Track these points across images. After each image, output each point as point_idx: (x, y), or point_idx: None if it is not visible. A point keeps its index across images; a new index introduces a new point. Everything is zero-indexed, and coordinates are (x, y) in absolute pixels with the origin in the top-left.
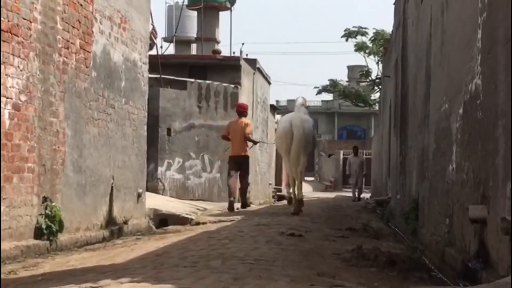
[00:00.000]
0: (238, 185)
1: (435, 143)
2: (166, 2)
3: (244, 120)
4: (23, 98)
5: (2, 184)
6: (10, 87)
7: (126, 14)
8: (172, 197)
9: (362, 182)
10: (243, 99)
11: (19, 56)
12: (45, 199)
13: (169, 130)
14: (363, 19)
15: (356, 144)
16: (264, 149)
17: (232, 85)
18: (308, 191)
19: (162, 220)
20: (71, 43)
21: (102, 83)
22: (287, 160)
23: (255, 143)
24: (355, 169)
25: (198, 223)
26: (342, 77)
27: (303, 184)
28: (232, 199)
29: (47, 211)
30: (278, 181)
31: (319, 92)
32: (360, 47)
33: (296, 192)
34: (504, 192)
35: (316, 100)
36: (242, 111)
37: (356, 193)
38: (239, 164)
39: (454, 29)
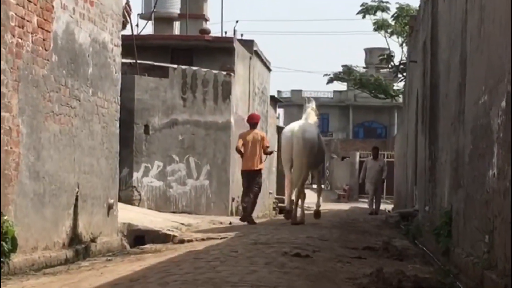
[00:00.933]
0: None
1: (472, 144)
2: None
3: (259, 132)
4: None
5: None
6: None
7: None
8: (150, 209)
9: (382, 191)
10: (237, 89)
11: None
12: None
13: (146, 127)
14: None
15: (376, 145)
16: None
17: (224, 73)
18: (315, 201)
19: (138, 238)
20: (27, 20)
21: (64, 69)
22: (288, 172)
23: (270, 154)
24: (373, 175)
25: (182, 241)
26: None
27: (307, 192)
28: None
29: None
30: (279, 190)
31: (330, 81)
32: (380, 26)
33: (296, 204)
34: None
35: (326, 90)
36: (254, 122)
37: (374, 205)
38: (253, 178)
39: (495, 5)
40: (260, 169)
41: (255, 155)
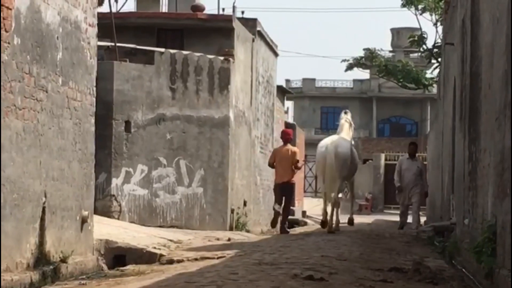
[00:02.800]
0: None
1: None
2: None
3: (291, 147)
4: None
5: None
6: None
7: None
8: (132, 222)
9: (419, 201)
10: (237, 77)
11: None
12: None
13: (127, 124)
14: None
15: (411, 141)
16: (269, 151)
17: (221, 58)
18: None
19: (118, 257)
20: None
21: (28, 54)
22: (322, 185)
23: (299, 168)
24: (410, 180)
25: (171, 261)
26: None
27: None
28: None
29: None
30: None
31: (349, 68)
32: (410, 1)
33: (330, 217)
34: None
35: (345, 79)
36: (288, 138)
37: (410, 217)
38: (286, 190)
39: None
40: (293, 183)
41: (288, 169)
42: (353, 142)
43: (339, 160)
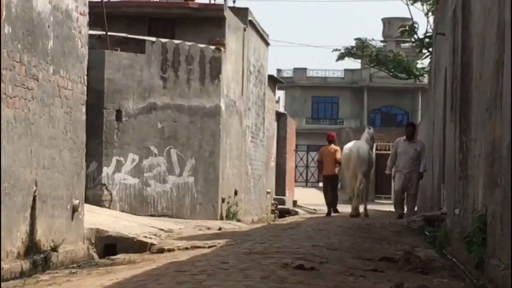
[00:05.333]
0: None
1: (511, 134)
2: None
3: (334, 147)
4: None
5: None
6: None
7: None
8: (123, 211)
9: (417, 186)
10: (228, 67)
11: None
12: None
13: (119, 113)
14: None
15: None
16: (259, 141)
17: (212, 47)
18: (324, 202)
19: (109, 246)
20: None
21: (19, 43)
22: (348, 178)
23: (340, 163)
24: (406, 162)
25: (161, 250)
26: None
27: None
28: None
29: None
30: (279, 188)
31: (340, 58)
32: None
33: (356, 204)
34: None
35: (336, 69)
36: (332, 139)
37: (405, 204)
38: (332, 180)
39: None
40: (337, 174)
41: (333, 164)
42: (372, 149)
43: (359, 159)
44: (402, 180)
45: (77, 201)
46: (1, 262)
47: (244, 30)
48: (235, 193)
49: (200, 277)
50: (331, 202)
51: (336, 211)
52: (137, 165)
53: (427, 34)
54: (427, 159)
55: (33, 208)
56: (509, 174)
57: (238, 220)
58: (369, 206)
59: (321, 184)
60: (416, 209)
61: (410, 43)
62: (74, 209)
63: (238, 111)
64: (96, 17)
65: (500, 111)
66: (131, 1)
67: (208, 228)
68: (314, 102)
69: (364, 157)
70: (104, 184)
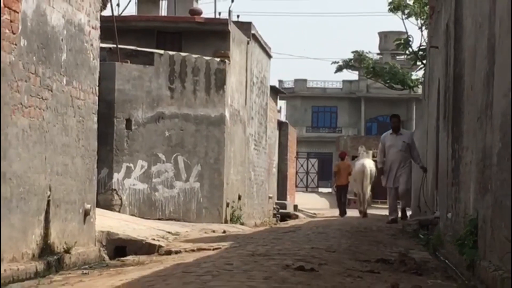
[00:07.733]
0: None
1: (501, 142)
2: None
3: (347, 162)
4: None
5: None
6: None
7: None
8: (132, 215)
9: (409, 182)
10: (232, 78)
11: None
12: None
13: (128, 121)
14: None
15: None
16: (262, 148)
17: (217, 59)
18: (323, 206)
19: (119, 248)
20: None
21: (34, 55)
22: (359, 186)
23: (350, 174)
24: (395, 156)
25: (169, 252)
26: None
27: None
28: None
29: None
30: (281, 193)
31: (339, 70)
32: (396, 6)
33: (365, 208)
34: None
35: (334, 80)
36: (344, 156)
37: (398, 204)
38: (343, 189)
39: None
40: (348, 184)
41: (346, 176)
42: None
43: (369, 172)
44: (393, 176)
45: (89, 206)
46: (17, 263)
47: (248, 43)
48: (239, 198)
49: (206, 277)
50: (343, 205)
51: (345, 212)
52: (146, 171)
53: (421, 47)
54: (418, 167)
55: (47, 212)
56: (499, 180)
57: (242, 224)
58: (367, 211)
59: (328, 189)
60: (410, 211)
61: (405, 56)
62: (86, 213)
63: (242, 120)
64: (107, 31)
65: (490, 120)
66: (140, 16)
67: (213, 231)
68: (314, 111)
69: (372, 171)
70: (115, 189)
